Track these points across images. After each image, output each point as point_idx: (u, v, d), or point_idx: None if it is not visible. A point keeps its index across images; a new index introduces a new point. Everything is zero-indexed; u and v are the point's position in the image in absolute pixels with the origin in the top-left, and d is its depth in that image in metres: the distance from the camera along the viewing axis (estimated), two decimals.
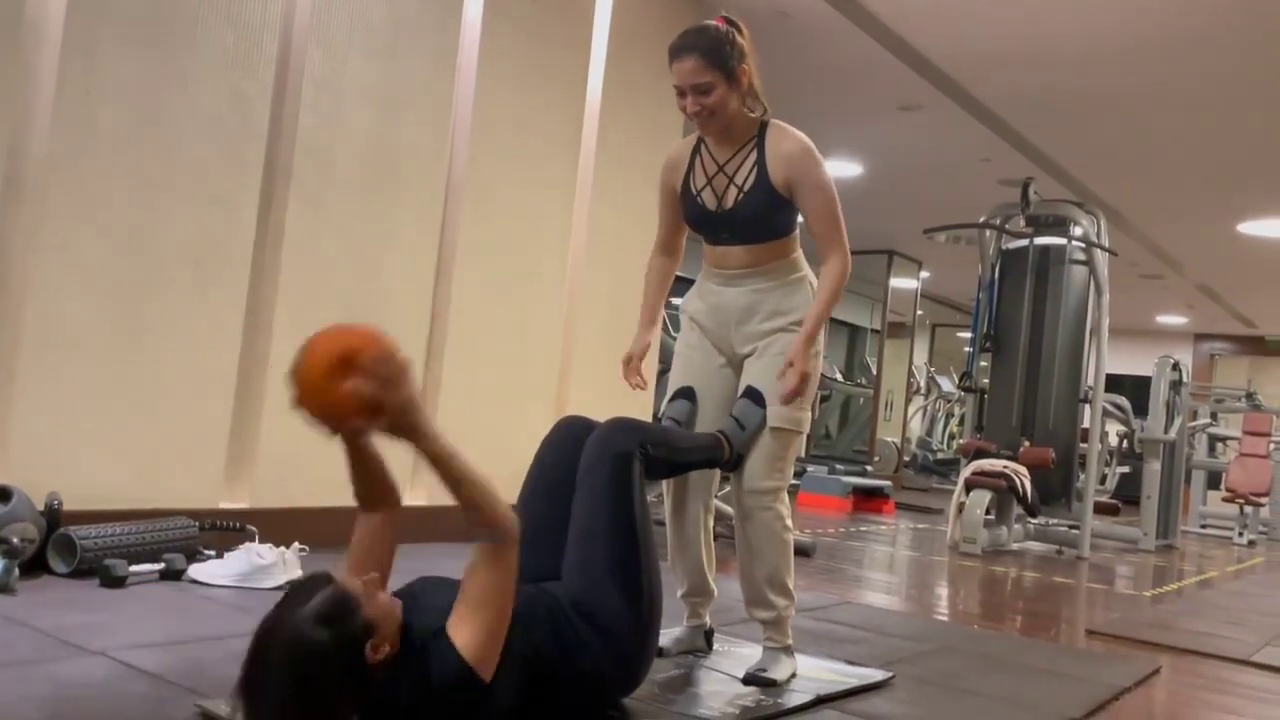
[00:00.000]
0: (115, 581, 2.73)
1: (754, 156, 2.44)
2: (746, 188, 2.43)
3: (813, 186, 2.40)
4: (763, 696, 2.29)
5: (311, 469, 3.69)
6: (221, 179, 3.37)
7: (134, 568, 2.82)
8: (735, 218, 2.46)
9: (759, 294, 2.49)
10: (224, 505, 3.46)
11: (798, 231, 2.52)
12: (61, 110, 2.98)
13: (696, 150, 2.52)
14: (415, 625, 1.65)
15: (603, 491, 2.05)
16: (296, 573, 3.01)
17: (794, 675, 2.47)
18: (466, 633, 1.63)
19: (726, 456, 2.39)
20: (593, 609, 1.92)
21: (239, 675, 1.50)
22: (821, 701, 2.32)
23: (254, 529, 3.28)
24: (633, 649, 1.98)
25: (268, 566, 2.95)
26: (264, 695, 1.49)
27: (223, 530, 3.27)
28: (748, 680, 2.40)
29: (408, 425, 1.59)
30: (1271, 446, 9.93)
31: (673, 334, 7.35)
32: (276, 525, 3.39)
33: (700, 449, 2.35)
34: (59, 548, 2.83)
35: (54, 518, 2.86)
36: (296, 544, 3.16)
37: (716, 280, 2.55)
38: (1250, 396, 11.10)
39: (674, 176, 2.56)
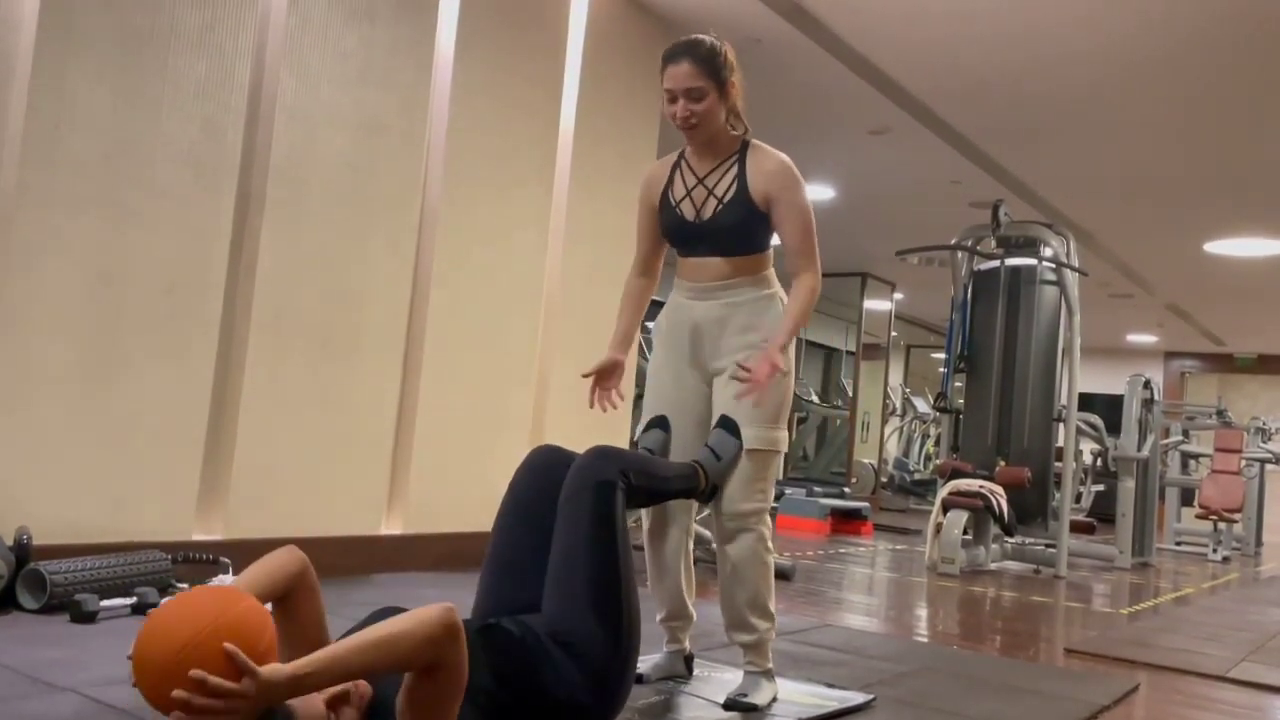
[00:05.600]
0: (86, 617, 2.68)
1: (735, 171, 2.48)
2: (726, 200, 2.47)
3: (790, 204, 2.45)
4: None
5: (284, 500, 3.67)
6: (194, 208, 3.35)
7: (105, 602, 2.77)
8: (712, 228, 2.49)
9: (731, 308, 2.50)
10: (197, 537, 3.42)
11: (771, 251, 2.56)
12: (30, 141, 2.95)
13: (676, 165, 2.57)
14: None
15: (584, 520, 2.04)
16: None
17: (775, 700, 2.46)
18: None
19: (702, 487, 2.38)
20: (570, 637, 1.90)
21: None
22: None
23: (227, 561, 3.24)
24: (611, 677, 1.97)
25: None
26: None
27: (195, 562, 3.23)
28: (728, 705, 2.38)
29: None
30: (1243, 463, 10.03)
31: (648, 356, 7.33)
32: (250, 556, 3.33)
33: (679, 478, 2.34)
34: (28, 583, 2.78)
35: (23, 553, 2.81)
36: None
37: (689, 294, 2.56)
38: (1221, 413, 11.21)
39: (653, 190, 2.60)
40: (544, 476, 2.16)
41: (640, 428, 2.62)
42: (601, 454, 2.12)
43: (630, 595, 2.01)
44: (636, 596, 2.04)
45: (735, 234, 2.48)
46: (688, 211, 2.51)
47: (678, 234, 2.55)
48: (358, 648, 1.44)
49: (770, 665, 2.50)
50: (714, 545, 2.52)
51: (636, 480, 2.14)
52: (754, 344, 2.45)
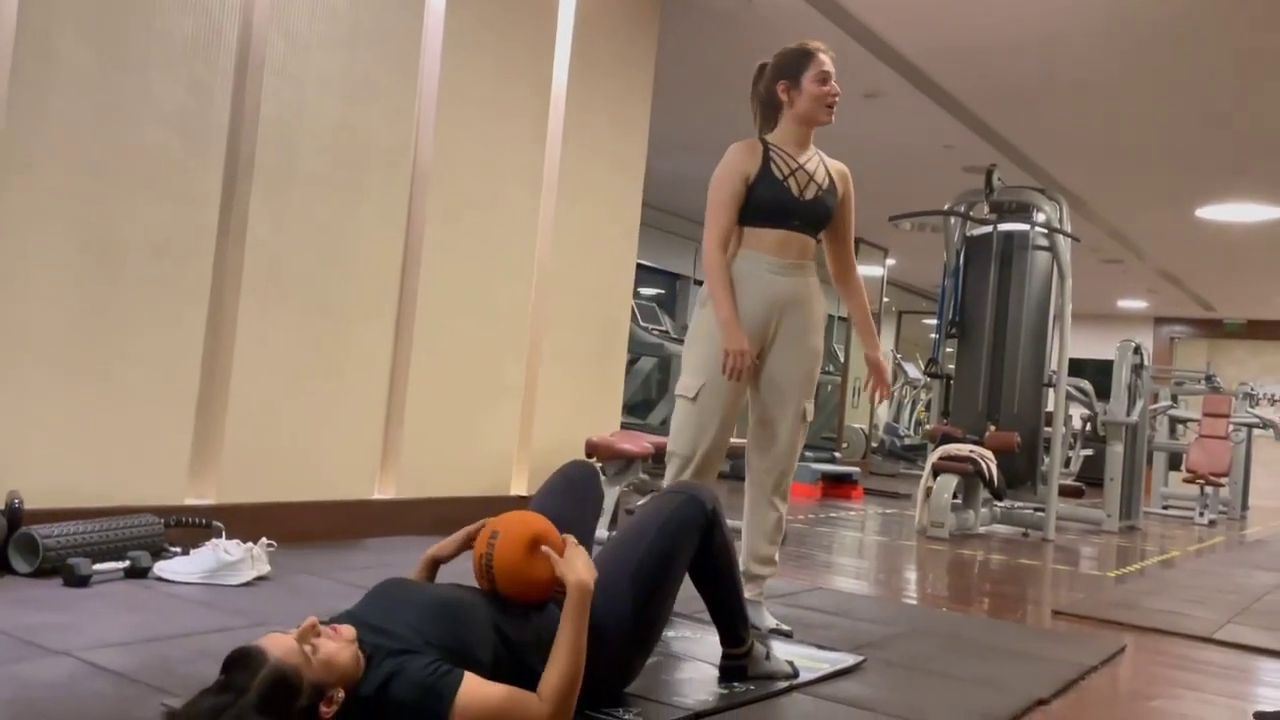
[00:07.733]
0: (79, 580, 2.69)
1: (821, 165, 2.87)
2: (825, 187, 2.84)
3: (851, 207, 2.94)
4: (736, 684, 2.29)
5: (277, 464, 3.67)
6: (182, 170, 3.32)
7: (98, 566, 2.78)
8: (814, 208, 2.82)
9: (806, 284, 2.84)
10: (189, 501, 3.42)
11: None
12: (15, 102, 2.92)
13: (767, 150, 2.80)
14: (373, 644, 1.65)
15: (668, 515, 2.09)
16: (265, 568, 2.99)
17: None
18: (475, 704, 1.61)
19: (743, 637, 2.32)
20: (598, 605, 1.92)
21: None
22: (794, 687, 2.33)
23: (220, 525, 3.24)
24: (624, 652, 1.99)
25: (234, 563, 2.92)
26: None
27: (188, 526, 3.23)
28: (777, 633, 2.78)
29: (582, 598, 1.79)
30: (1230, 428, 10.09)
31: (642, 324, 7.34)
32: (243, 521, 3.36)
33: (738, 588, 2.28)
34: (21, 547, 2.78)
35: (15, 517, 2.81)
36: (264, 539, 3.13)
37: (770, 267, 2.78)
38: (1209, 379, 11.27)
39: (752, 164, 2.79)
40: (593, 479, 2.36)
41: (694, 389, 2.73)
42: (712, 494, 2.17)
43: (663, 602, 2.05)
44: (668, 606, 2.09)
45: (825, 218, 2.85)
46: (794, 188, 2.79)
47: (779, 206, 2.77)
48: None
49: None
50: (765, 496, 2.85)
51: (718, 535, 2.15)
52: (812, 350, 2.85)
